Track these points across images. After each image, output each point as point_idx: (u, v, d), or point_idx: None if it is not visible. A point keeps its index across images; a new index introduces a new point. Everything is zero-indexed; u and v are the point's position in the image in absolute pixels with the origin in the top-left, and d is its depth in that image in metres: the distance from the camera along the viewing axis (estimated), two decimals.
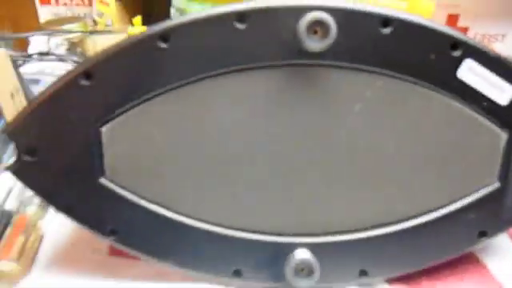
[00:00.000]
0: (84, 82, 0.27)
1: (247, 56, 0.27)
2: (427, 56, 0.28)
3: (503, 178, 0.30)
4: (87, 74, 0.27)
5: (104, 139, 0.28)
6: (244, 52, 0.27)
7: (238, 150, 0.29)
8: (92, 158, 0.28)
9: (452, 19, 0.69)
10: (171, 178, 0.29)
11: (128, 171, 0.29)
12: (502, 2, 0.68)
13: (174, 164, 0.29)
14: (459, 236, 0.31)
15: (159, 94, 0.28)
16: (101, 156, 0.28)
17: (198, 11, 0.73)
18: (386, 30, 0.27)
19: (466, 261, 0.34)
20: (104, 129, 0.28)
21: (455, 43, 0.28)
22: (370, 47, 0.27)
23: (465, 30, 0.70)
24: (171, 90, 0.28)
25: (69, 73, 0.27)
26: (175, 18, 0.28)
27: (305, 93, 0.28)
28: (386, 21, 0.27)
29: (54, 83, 0.27)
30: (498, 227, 0.31)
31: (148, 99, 0.28)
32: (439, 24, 0.28)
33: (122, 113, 0.28)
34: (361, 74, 0.28)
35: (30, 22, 0.71)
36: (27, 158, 0.28)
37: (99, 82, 0.27)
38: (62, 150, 0.28)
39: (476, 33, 0.70)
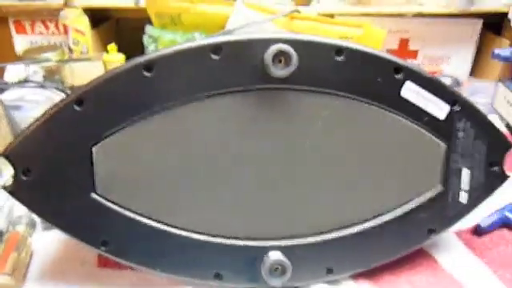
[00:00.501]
0: (76, 108, 0.30)
1: (222, 82, 0.31)
2: (375, 79, 0.33)
3: (444, 181, 0.35)
4: (79, 101, 0.30)
5: (95, 158, 0.31)
6: (219, 79, 0.31)
7: (216, 165, 0.33)
8: (84, 175, 0.31)
9: (403, 43, 0.76)
10: (157, 192, 0.32)
11: (117, 187, 0.32)
12: (447, 28, 0.76)
13: (159, 179, 0.32)
14: (412, 234, 0.36)
15: (144, 117, 0.31)
16: (92, 174, 0.31)
17: (170, 39, 0.77)
18: (340, 58, 0.32)
19: (420, 256, 0.38)
20: (95, 149, 0.31)
21: (397, 68, 0.33)
22: (326, 73, 0.32)
23: (415, 52, 0.77)
24: (155, 113, 0.31)
25: (62, 100, 0.31)
26: (151, 46, 0.31)
27: (274, 112, 0.32)
28: (339, 50, 0.32)
29: (49, 109, 0.30)
30: (445, 224, 0.36)
31: (134, 122, 0.31)
32: (384, 52, 0.33)
33: (111, 134, 0.31)
34: (320, 95, 0.33)
35: (5, 49, 0.73)
36: (23, 178, 0.31)
37: (90, 107, 0.30)
38: (56, 169, 0.31)
39: (425, 55, 0.77)
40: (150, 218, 0.33)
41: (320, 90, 0.32)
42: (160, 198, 0.33)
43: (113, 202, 0.32)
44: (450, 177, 0.35)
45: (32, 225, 0.40)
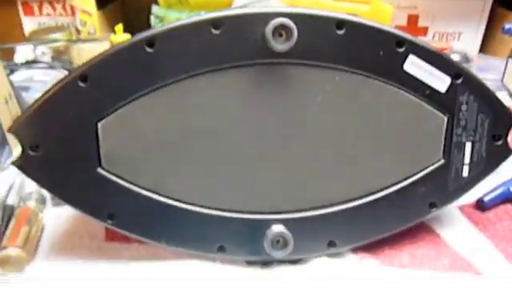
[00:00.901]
0: (81, 84, 0.31)
1: (223, 57, 0.31)
2: (377, 53, 0.33)
3: (447, 155, 0.35)
4: (83, 77, 0.31)
5: (100, 134, 0.32)
6: (220, 54, 0.31)
7: (218, 139, 0.33)
8: (90, 150, 0.32)
9: (412, 20, 0.74)
10: (160, 166, 0.33)
11: (122, 161, 0.33)
12: (458, 3, 0.74)
13: (163, 154, 0.33)
14: (413, 207, 0.36)
15: (147, 93, 0.32)
16: (98, 149, 0.32)
17: (176, 18, 0.78)
18: (341, 32, 0.32)
19: (422, 230, 0.39)
20: (100, 124, 0.32)
21: (400, 41, 0.32)
22: (327, 47, 0.32)
23: (424, 29, 0.76)
24: (158, 88, 0.32)
25: (66, 76, 0.31)
26: (158, 26, 0.32)
27: (274, 87, 0.33)
28: (339, 23, 0.32)
29: (54, 85, 0.31)
30: (446, 198, 0.36)
31: (138, 97, 0.32)
32: (385, 25, 0.32)
33: (115, 110, 0.32)
34: (321, 70, 0.33)
35: (15, 31, 0.74)
36: (31, 153, 0.31)
37: (94, 83, 0.31)
38: (63, 144, 0.32)
39: (435, 32, 0.76)
40: (154, 192, 0.33)
41: (321, 64, 0.32)
42: (163, 172, 0.33)
43: (118, 177, 0.33)
44: (452, 151, 0.35)
45: (42, 201, 0.41)
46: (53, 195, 0.35)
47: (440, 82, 0.34)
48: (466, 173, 0.36)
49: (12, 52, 0.68)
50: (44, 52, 0.64)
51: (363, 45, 0.32)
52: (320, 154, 0.34)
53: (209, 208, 0.34)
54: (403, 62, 0.33)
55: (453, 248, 0.37)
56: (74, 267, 0.35)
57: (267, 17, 0.30)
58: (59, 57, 0.67)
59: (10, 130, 0.31)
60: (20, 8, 0.73)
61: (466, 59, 0.69)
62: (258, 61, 0.32)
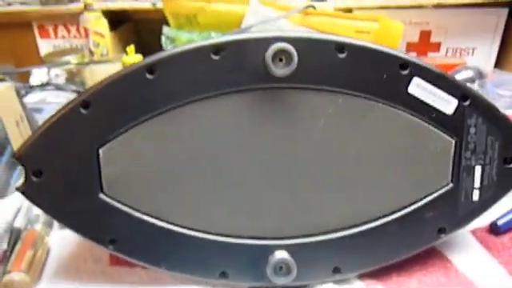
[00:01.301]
0: (83, 111, 0.31)
1: (223, 83, 0.31)
2: (380, 76, 0.32)
3: (455, 179, 0.34)
4: (85, 104, 0.31)
5: (102, 160, 0.32)
6: (221, 79, 0.31)
7: (220, 165, 0.33)
8: (91, 176, 0.32)
9: (424, 36, 0.74)
10: (162, 192, 0.33)
11: (124, 187, 0.33)
12: (471, 17, 0.73)
13: (164, 180, 0.33)
14: (420, 233, 0.35)
15: (149, 119, 0.32)
16: (99, 174, 0.32)
17: (186, 39, 0.78)
18: (342, 55, 0.31)
19: (433, 256, 0.38)
20: (101, 150, 0.32)
21: (403, 64, 0.32)
22: (329, 70, 0.32)
23: (437, 45, 0.75)
24: (159, 114, 0.32)
25: (69, 103, 0.32)
26: (169, 47, 0.32)
27: (275, 112, 0.32)
28: (340, 47, 0.31)
29: (56, 112, 0.31)
30: (456, 224, 0.35)
31: (139, 123, 0.32)
32: (388, 48, 0.32)
33: (117, 136, 0.32)
34: (323, 93, 0.32)
35: (31, 53, 0.76)
36: (34, 179, 0.32)
37: (96, 110, 0.31)
38: (65, 170, 0.32)
39: (448, 47, 0.75)
40: (156, 218, 0.33)
41: (323, 88, 0.32)
42: (165, 198, 0.33)
43: (120, 202, 0.33)
44: (461, 174, 0.34)
45: (49, 223, 0.41)
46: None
47: (446, 104, 0.33)
48: (476, 197, 0.35)
49: (28, 74, 0.70)
50: (57, 74, 0.65)
51: (366, 68, 0.32)
52: (324, 179, 0.34)
53: (210, 233, 0.34)
54: (408, 84, 0.32)
55: (464, 274, 0.36)
56: None
57: (267, 42, 0.30)
58: (73, 78, 0.68)
59: (14, 157, 0.32)
60: (36, 31, 0.76)
61: (481, 75, 0.67)
62: (258, 86, 0.32)
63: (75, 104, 0.31)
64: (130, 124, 0.32)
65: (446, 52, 0.75)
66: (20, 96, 0.53)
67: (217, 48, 0.31)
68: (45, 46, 0.76)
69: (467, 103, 0.33)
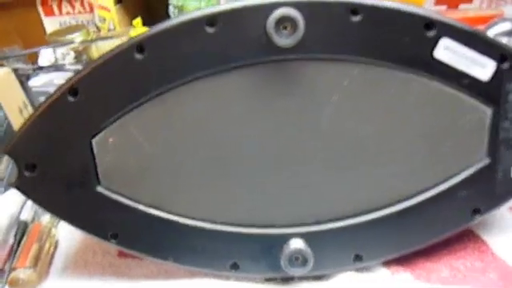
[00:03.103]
0: (71, 98, 0.28)
1: (222, 58, 0.28)
2: (401, 39, 0.28)
3: (492, 153, 0.30)
4: (73, 91, 0.28)
5: (96, 150, 0.30)
6: (218, 54, 0.28)
7: (225, 148, 0.30)
8: (87, 168, 0.30)
9: None
10: (162, 181, 0.30)
11: (122, 178, 0.30)
12: None
13: (164, 167, 0.30)
14: (452, 215, 0.31)
15: (143, 103, 0.29)
16: (95, 166, 0.30)
17: (194, 7, 0.73)
18: (356, 18, 0.27)
19: (466, 239, 0.34)
20: (95, 140, 0.29)
21: (428, 23, 0.27)
22: (341, 37, 0.28)
23: None
24: (152, 98, 0.29)
25: (56, 91, 0.29)
26: (176, 17, 0.28)
27: (282, 87, 0.29)
28: (354, 8, 0.27)
29: (44, 102, 0.29)
30: (492, 204, 0.31)
31: (132, 108, 0.29)
32: (410, 5, 0.27)
33: (110, 123, 0.29)
34: (336, 64, 0.28)
35: (37, 33, 0.74)
36: (27, 174, 0.30)
37: (85, 96, 0.29)
38: (59, 163, 0.30)
39: None
40: (158, 209, 0.31)
41: (335, 58, 0.28)
42: (167, 188, 0.31)
43: (119, 194, 0.31)
44: (498, 148, 0.30)
45: None
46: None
47: (482, 68, 0.28)
48: None
49: (35, 56, 0.68)
50: (64, 53, 0.63)
51: (384, 31, 0.28)
52: (340, 160, 0.30)
53: (217, 223, 0.31)
54: (434, 47, 0.28)
55: (502, 258, 0.32)
56: (86, 285, 0.34)
57: (267, 8, 0.26)
58: (80, 57, 0.66)
59: (4, 152, 0.30)
60: (40, 9, 0.73)
61: None
62: (261, 59, 0.28)
63: (62, 92, 0.29)
64: (124, 110, 0.29)
65: (481, 2, 0.68)
66: (23, 80, 0.51)
67: (211, 19, 0.27)
68: (51, 24, 0.74)
69: (507, 66, 0.28)
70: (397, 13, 0.27)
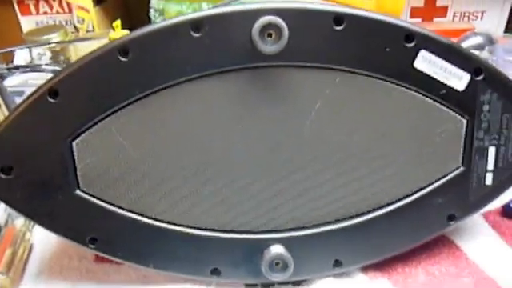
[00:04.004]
0: (51, 100, 0.28)
1: (206, 63, 0.28)
2: (382, 49, 0.28)
3: (467, 162, 0.31)
4: (53, 92, 0.28)
5: (76, 153, 0.29)
6: (203, 59, 0.28)
7: (207, 154, 0.30)
8: (66, 171, 0.29)
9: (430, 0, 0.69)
10: (144, 185, 0.30)
11: (102, 182, 0.30)
12: None
13: (146, 171, 0.30)
14: (428, 221, 0.32)
15: (125, 106, 0.29)
16: (74, 169, 0.29)
17: (176, 11, 0.73)
18: (339, 27, 0.28)
19: (441, 244, 0.35)
20: (75, 143, 0.29)
21: (408, 35, 0.28)
22: (324, 45, 0.28)
23: (444, 9, 0.70)
24: (135, 101, 0.28)
25: (35, 91, 0.28)
26: (157, 21, 0.28)
27: (266, 94, 0.29)
28: (338, 18, 0.27)
29: (22, 102, 0.28)
30: (466, 210, 0.32)
31: (115, 111, 0.29)
32: (391, 17, 0.28)
33: (91, 126, 0.29)
34: (318, 72, 0.29)
35: (13, 32, 0.72)
36: (3, 176, 0.29)
37: (65, 98, 0.28)
38: (37, 166, 0.29)
39: (455, 11, 0.70)
40: (138, 214, 0.31)
41: (318, 66, 0.29)
42: (148, 192, 0.30)
43: (99, 198, 0.30)
44: (473, 157, 0.31)
45: None
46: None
47: (457, 79, 0.29)
48: (489, 181, 0.31)
49: (11, 55, 0.66)
50: (40, 53, 0.61)
51: (366, 41, 0.28)
52: (321, 166, 0.31)
53: (198, 229, 0.31)
54: (414, 58, 0.29)
55: (476, 263, 0.33)
56: None
57: (253, 15, 0.27)
58: (57, 57, 0.65)
59: None
60: (16, 8, 0.71)
61: (490, 41, 0.63)
62: (245, 65, 0.28)
63: (42, 92, 0.28)
64: (105, 113, 0.29)
65: (454, 16, 0.70)
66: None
67: (196, 24, 0.27)
68: (27, 24, 0.72)
69: (481, 78, 0.29)
70: (378, 23, 0.28)
